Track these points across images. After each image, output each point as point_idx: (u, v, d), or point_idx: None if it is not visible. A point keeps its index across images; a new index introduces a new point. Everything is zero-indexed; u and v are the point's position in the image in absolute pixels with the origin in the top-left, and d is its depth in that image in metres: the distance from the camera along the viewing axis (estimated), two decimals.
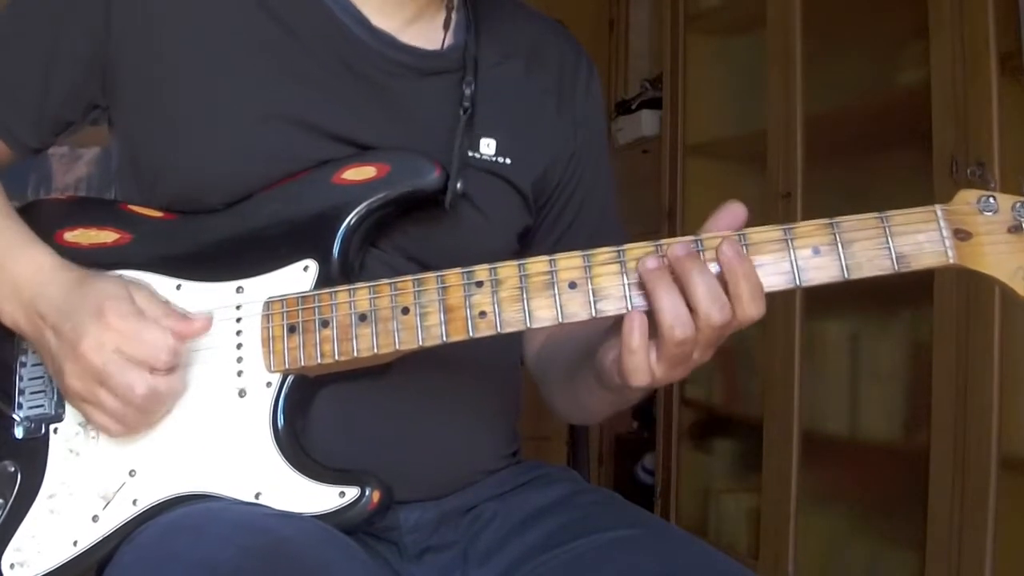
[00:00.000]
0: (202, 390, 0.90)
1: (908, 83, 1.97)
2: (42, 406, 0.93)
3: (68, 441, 0.91)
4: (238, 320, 0.91)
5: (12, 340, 0.95)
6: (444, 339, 0.86)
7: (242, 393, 0.90)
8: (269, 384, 0.90)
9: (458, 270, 0.87)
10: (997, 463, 1.68)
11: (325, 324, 0.89)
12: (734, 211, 0.84)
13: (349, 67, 0.99)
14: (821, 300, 2.13)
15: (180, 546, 0.80)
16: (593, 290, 0.85)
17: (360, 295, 0.88)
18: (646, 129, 2.97)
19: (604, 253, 0.85)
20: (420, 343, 0.87)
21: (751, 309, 0.81)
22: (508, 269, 0.86)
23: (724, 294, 0.81)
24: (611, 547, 0.93)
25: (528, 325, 0.85)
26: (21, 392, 0.94)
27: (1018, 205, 0.83)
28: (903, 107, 1.98)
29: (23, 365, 0.95)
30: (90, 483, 0.89)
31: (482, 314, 0.86)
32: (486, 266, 0.87)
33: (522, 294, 0.86)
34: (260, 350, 0.90)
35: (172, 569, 0.78)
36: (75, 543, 0.88)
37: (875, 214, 0.84)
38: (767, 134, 2.32)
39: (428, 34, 1.03)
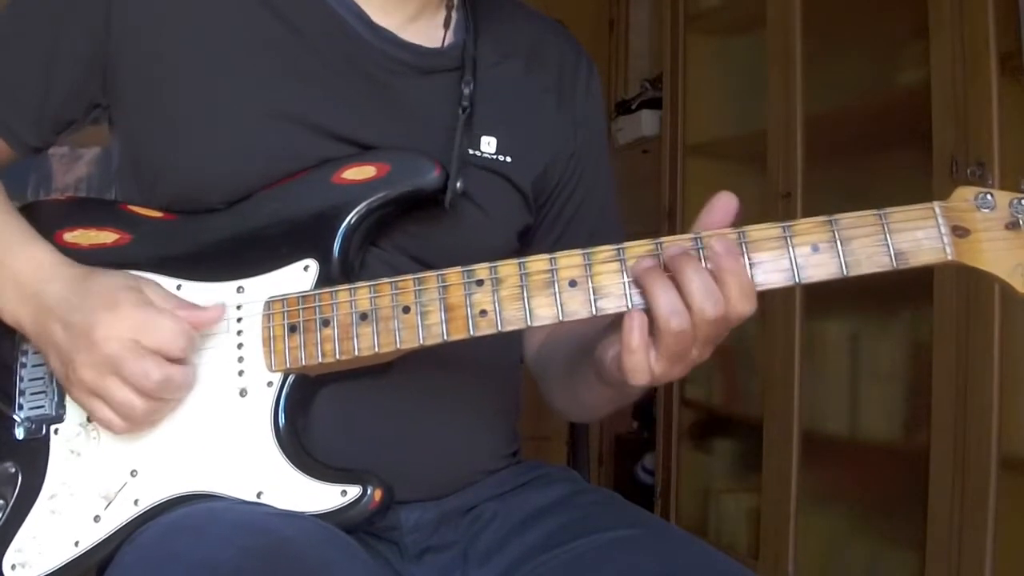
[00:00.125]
0: (203, 390, 0.90)
1: (908, 83, 1.97)
2: (43, 407, 0.93)
3: (69, 441, 0.91)
4: (239, 320, 0.91)
5: (12, 340, 0.95)
6: (445, 338, 0.87)
7: (243, 393, 0.90)
8: (270, 383, 0.90)
9: (459, 269, 0.87)
10: (997, 463, 1.68)
11: (326, 323, 0.89)
12: (725, 202, 0.85)
13: (351, 64, 0.99)
14: (821, 300, 2.13)
15: (181, 546, 0.80)
16: (593, 288, 0.85)
17: (361, 294, 0.88)
18: (646, 129, 2.97)
19: (604, 252, 0.85)
20: (421, 342, 0.87)
21: (740, 306, 0.82)
22: (508, 268, 0.86)
23: (718, 289, 0.81)
24: (611, 547, 0.93)
25: (529, 323, 0.86)
26: (21, 393, 0.94)
27: (1015, 202, 0.84)
28: (903, 107, 1.98)
29: (23, 366, 0.95)
30: (91, 483, 0.89)
31: (483, 313, 0.86)
32: (486, 265, 0.87)
33: (522, 292, 0.86)
34: (261, 349, 0.90)
35: (173, 569, 0.77)
36: (76, 543, 0.88)
37: (873, 211, 0.84)
38: (767, 134, 2.32)
39: (429, 32, 1.03)
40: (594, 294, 0.85)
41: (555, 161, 1.09)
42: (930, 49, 1.81)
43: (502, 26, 1.09)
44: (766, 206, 2.25)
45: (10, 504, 0.90)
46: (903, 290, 1.89)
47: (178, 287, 0.93)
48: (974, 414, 1.71)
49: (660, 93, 2.90)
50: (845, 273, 0.84)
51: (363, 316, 0.88)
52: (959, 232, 0.84)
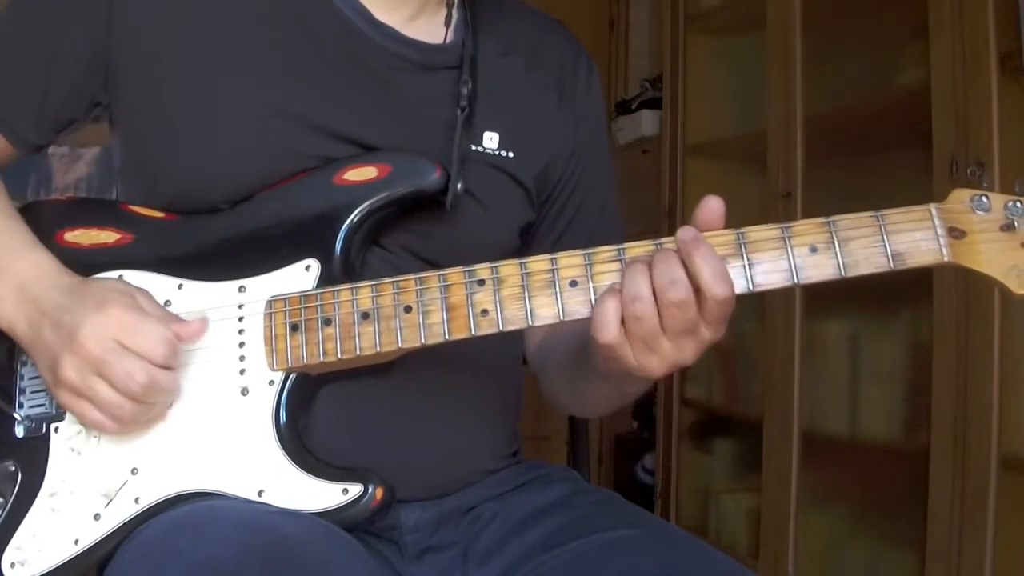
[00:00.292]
0: (205, 388, 0.90)
1: (908, 83, 1.97)
2: (43, 405, 0.93)
3: (69, 440, 0.91)
4: (240, 319, 0.91)
5: (13, 340, 0.95)
6: (446, 337, 0.87)
7: (244, 391, 0.90)
8: (272, 382, 0.90)
9: (460, 269, 0.88)
10: (997, 463, 1.68)
11: (328, 322, 0.89)
12: (711, 207, 0.85)
13: (354, 62, 1.00)
14: (821, 300, 2.13)
15: (182, 544, 0.80)
16: (594, 288, 0.85)
17: (363, 293, 0.89)
18: (646, 129, 2.97)
19: (605, 252, 0.86)
20: (423, 341, 0.87)
21: (716, 288, 0.81)
22: (510, 267, 0.87)
23: (685, 276, 0.81)
24: (611, 547, 0.93)
25: (530, 323, 0.86)
26: (22, 391, 0.94)
27: (1010, 204, 0.85)
28: (903, 107, 1.98)
29: (24, 364, 0.95)
30: (92, 481, 0.89)
31: (484, 312, 0.86)
32: (488, 265, 0.87)
33: (524, 292, 0.86)
34: (263, 348, 0.90)
35: (174, 567, 0.78)
36: (76, 541, 0.88)
37: (871, 213, 0.85)
38: (767, 134, 2.32)
39: (430, 29, 1.04)
40: (595, 294, 0.85)
41: (556, 158, 1.09)
42: (930, 49, 1.81)
43: (502, 24, 1.09)
44: (766, 206, 2.25)
45: (9, 502, 0.90)
46: (903, 290, 1.89)
47: (179, 287, 0.93)
48: (974, 414, 1.71)
49: (660, 93, 2.91)
50: (843, 274, 0.84)
51: (365, 315, 0.88)
52: (955, 234, 0.85)
